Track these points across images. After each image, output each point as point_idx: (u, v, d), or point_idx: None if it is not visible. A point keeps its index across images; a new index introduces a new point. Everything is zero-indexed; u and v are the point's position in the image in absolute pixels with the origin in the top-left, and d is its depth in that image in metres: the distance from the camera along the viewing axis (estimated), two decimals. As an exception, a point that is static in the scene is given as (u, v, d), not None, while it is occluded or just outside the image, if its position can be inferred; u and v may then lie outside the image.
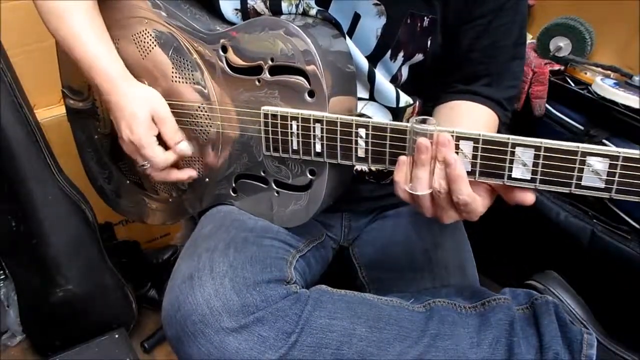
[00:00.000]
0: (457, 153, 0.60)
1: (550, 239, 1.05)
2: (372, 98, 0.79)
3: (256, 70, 0.72)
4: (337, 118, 0.67)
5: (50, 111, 1.29)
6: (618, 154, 0.53)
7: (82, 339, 1.14)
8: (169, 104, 0.80)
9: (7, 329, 1.29)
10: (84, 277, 1.16)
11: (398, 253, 0.87)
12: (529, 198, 0.60)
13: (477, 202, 0.61)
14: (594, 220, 1.00)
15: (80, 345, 1.13)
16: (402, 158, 0.63)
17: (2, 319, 1.27)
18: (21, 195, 1.09)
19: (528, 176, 0.57)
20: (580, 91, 1.05)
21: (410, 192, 0.62)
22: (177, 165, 0.82)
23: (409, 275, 0.85)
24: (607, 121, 1.00)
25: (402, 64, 0.77)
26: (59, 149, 1.15)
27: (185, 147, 0.80)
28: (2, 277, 1.25)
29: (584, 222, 1.00)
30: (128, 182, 0.96)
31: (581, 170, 0.55)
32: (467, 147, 0.60)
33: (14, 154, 1.06)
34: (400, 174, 0.63)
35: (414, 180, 0.61)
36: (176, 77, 0.80)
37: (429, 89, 0.84)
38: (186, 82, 0.79)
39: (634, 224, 0.97)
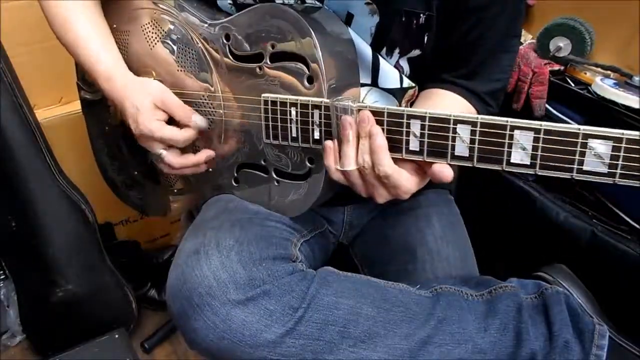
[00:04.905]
0: (454, 137, 0.58)
1: (550, 239, 1.05)
2: (374, 84, 0.78)
3: (258, 58, 0.73)
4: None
5: (50, 111, 1.29)
6: (622, 136, 0.50)
7: (82, 339, 1.14)
8: (174, 94, 0.81)
9: (7, 329, 1.29)
10: (84, 277, 1.16)
11: (399, 248, 0.87)
12: (446, 172, 0.59)
13: (401, 175, 0.62)
14: (594, 220, 1.00)
15: (80, 345, 1.13)
16: (328, 143, 0.66)
17: (2, 319, 1.27)
18: (21, 195, 1.09)
19: (527, 161, 0.55)
20: (580, 91, 1.05)
21: (341, 169, 0.64)
22: (192, 150, 0.82)
23: (410, 269, 0.85)
24: (607, 121, 1.00)
25: (399, 59, 0.77)
26: (59, 149, 1.15)
27: (199, 120, 0.79)
28: (2, 277, 1.25)
29: (584, 222, 1.00)
30: (136, 173, 0.97)
31: (582, 154, 0.52)
32: (464, 131, 0.58)
33: (14, 154, 1.06)
34: (330, 158, 0.66)
35: (342, 157, 0.64)
36: (181, 66, 0.81)
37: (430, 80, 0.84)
38: (191, 72, 0.80)
39: (634, 224, 0.97)
